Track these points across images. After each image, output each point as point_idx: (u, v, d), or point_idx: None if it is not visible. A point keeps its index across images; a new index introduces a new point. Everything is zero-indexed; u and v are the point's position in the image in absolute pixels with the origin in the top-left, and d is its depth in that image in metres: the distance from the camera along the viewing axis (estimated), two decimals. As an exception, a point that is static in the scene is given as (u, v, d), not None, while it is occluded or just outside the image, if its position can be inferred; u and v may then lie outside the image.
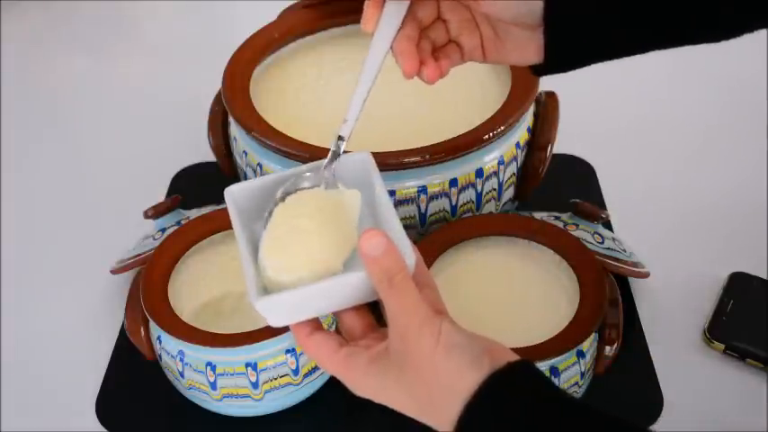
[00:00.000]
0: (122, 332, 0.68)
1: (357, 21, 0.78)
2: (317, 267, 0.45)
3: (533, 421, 0.39)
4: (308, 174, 0.50)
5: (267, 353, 0.58)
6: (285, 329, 0.58)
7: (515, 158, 0.69)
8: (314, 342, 0.45)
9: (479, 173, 0.66)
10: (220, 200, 0.73)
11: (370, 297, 0.45)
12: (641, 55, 0.55)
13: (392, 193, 0.64)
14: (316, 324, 0.46)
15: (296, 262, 0.45)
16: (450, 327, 0.42)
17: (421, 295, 0.43)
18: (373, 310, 0.47)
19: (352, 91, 0.52)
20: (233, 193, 0.49)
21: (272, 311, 0.45)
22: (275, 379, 0.59)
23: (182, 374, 0.61)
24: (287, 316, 0.46)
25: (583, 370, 0.60)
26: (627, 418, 0.40)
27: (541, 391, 0.41)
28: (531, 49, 0.52)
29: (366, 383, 0.44)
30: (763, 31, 0.54)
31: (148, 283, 0.62)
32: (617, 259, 0.67)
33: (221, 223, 0.67)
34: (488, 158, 0.66)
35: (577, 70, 0.53)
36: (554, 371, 0.58)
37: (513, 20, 0.51)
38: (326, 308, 0.46)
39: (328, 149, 0.64)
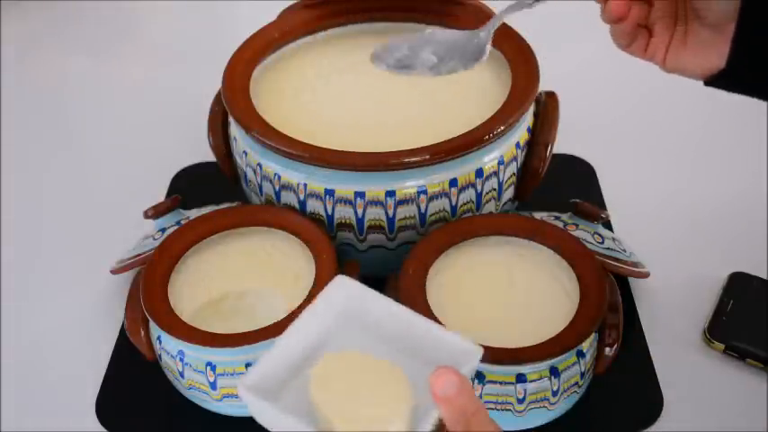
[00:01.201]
0: (122, 332, 0.68)
1: (357, 21, 0.80)
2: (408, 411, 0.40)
3: None
4: None
5: (267, 353, 0.58)
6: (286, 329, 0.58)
7: (515, 158, 0.69)
8: None
9: (479, 173, 0.66)
10: (220, 200, 0.74)
11: None
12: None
13: (392, 193, 0.64)
14: None
15: (377, 408, 0.40)
16: None
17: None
18: None
19: None
20: (249, 386, 0.42)
21: None
22: (275, 379, 0.59)
23: (182, 374, 0.61)
24: None
25: (583, 370, 0.60)
26: None
27: None
28: (711, 53, 0.50)
29: None
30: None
31: (148, 283, 0.62)
32: (617, 259, 0.67)
33: (221, 223, 0.67)
34: (488, 158, 0.66)
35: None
36: (554, 371, 0.58)
37: (723, 13, 0.49)
38: None
39: (328, 149, 0.64)
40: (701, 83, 0.54)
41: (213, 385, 0.60)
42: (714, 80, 0.52)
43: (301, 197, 0.66)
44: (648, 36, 0.53)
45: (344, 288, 0.45)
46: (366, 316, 0.45)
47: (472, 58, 0.57)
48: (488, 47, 0.57)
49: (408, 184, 0.64)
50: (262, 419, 0.42)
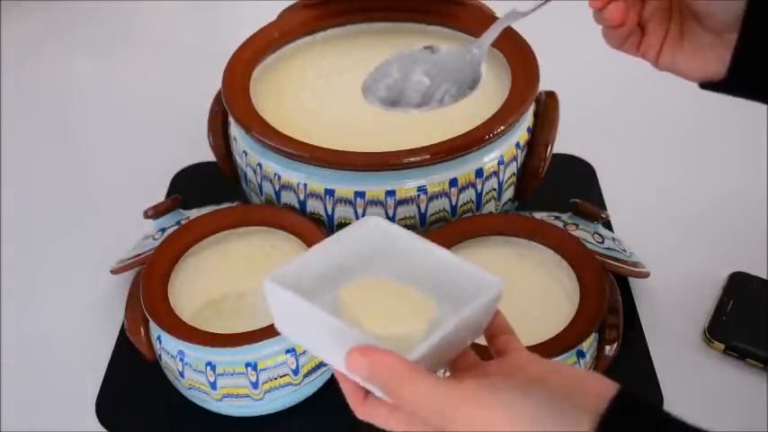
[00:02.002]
0: (122, 332, 0.68)
1: (357, 21, 0.80)
2: (426, 321, 0.41)
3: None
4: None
5: (267, 353, 0.58)
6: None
7: (515, 158, 0.69)
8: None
9: (479, 173, 0.66)
10: (220, 200, 0.74)
11: (475, 336, 0.43)
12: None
13: (392, 193, 0.64)
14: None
15: (402, 315, 0.41)
16: (518, 392, 0.37)
17: (445, 380, 0.37)
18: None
19: None
20: (277, 281, 0.42)
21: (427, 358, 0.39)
22: (275, 379, 0.59)
23: (182, 374, 0.61)
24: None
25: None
26: None
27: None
28: (709, 57, 0.49)
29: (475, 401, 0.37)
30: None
31: (148, 283, 0.62)
32: (617, 259, 0.67)
33: (221, 223, 0.67)
34: (488, 158, 0.66)
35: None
36: (554, 371, 0.58)
37: (723, 14, 0.47)
38: (447, 353, 0.42)
39: (328, 149, 0.64)
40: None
41: (213, 385, 0.60)
42: (711, 85, 0.50)
43: (301, 197, 0.66)
44: (641, 34, 0.53)
45: (375, 226, 0.46)
46: (395, 251, 0.45)
47: (466, 83, 0.55)
48: (483, 67, 0.55)
49: (408, 184, 0.64)
50: (282, 320, 0.43)
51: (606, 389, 0.37)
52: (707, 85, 0.51)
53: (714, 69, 0.50)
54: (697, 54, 0.50)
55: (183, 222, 0.71)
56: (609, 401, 0.36)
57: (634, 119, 0.93)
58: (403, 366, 0.37)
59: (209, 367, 0.59)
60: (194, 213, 0.73)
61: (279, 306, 0.42)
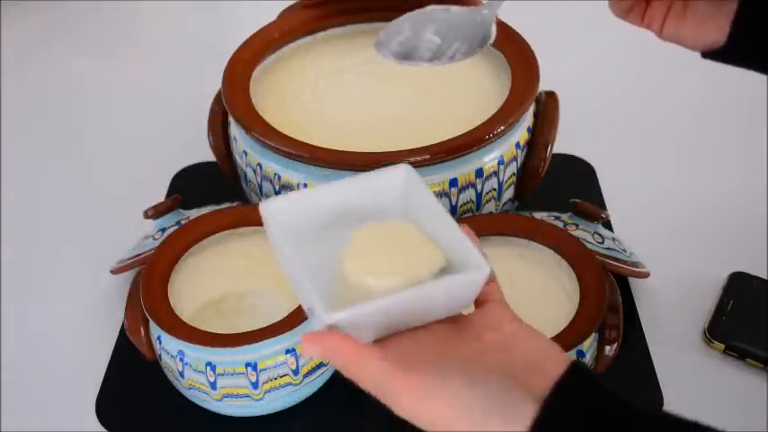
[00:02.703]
0: (122, 332, 0.68)
1: (357, 21, 0.79)
2: (408, 275, 0.41)
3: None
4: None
5: (267, 353, 0.58)
6: (286, 329, 0.58)
7: (515, 158, 0.69)
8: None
9: (479, 173, 0.66)
10: (220, 200, 0.74)
11: (458, 309, 0.42)
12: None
13: (392, 193, 0.64)
14: None
15: (385, 266, 0.41)
16: (459, 377, 0.38)
17: (393, 367, 0.38)
18: None
19: None
20: (270, 210, 0.44)
21: (356, 325, 0.39)
22: (275, 379, 0.59)
23: (182, 374, 0.61)
24: (373, 330, 0.40)
25: (583, 370, 0.60)
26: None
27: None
28: (710, 27, 0.51)
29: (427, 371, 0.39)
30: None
31: (148, 283, 0.62)
32: (617, 259, 0.67)
33: (221, 223, 0.67)
34: (488, 158, 0.66)
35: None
36: (554, 371, 0.58)
37: None
38: (415, 319, 0.41)
39: (328, 149, 0.64)
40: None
41: (213, 385, 0.60)
42: (712, 54, 0.52)
43: (301, 197, 0.66)
44: (646, 4, 0.53)
45: (406, 175, 0.46)
46: (414, 205, 0.45)
47: (476, 41, 0.56)
48: (494, 27, 0.55)
49: (408, 184, 0.64)
50: (275, 244, 0.44)
51: (558, 370, 0.38)
52: (708, 54, 0.52)
53: (715, 39, 0.51)
54: (699, 24, 0.51)
55: (183, 222, 0.71)
56: (552, 387, 0.37)
57: (634, 119, 0.93)
58: (352, 350, 0.38)
59: (209, 367, 0.59)
60: (194, 213, 0.73)
61: (272, 237, 0.43)
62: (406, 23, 0.58)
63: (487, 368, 0.38)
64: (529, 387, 0.37)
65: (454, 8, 0.58)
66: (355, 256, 0.42)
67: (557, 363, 0.39)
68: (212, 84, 0.73)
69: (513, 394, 0.37)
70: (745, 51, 0.51)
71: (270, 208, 0.44)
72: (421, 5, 0.77)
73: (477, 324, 0.42)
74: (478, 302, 0.43)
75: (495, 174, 0.67)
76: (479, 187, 0.67)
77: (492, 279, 0.43)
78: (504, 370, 0.38)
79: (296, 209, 0.45)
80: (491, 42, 0.55)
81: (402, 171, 0.45)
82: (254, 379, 0.59)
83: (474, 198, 0.67)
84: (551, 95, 0.73)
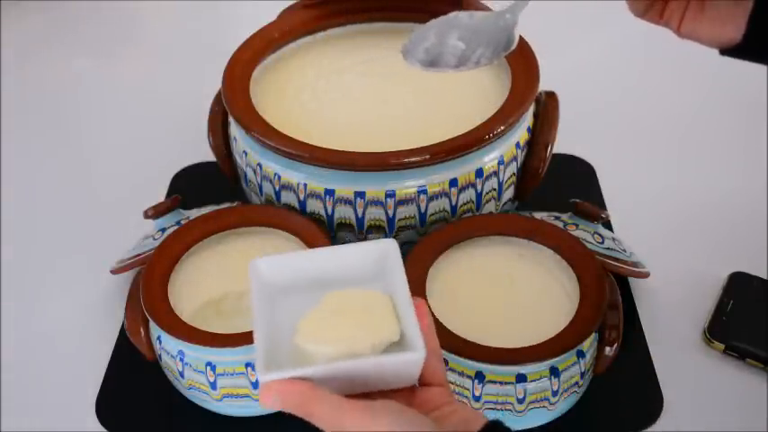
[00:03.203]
0: (122, 332, 0.68)
1: (357, 21, 0.80)
2: (351, 346, 0.43)
3: None
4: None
5: (267, 353, 0.58)
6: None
7: (515, 158, 0.69)
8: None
9: (479, 173, 0.66)
10: (220, 200, 0.74)
11: (402, 384, 0.45)
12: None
13: (392, 193, 0.64)
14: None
15: (330, 334, 0.43)
16: (387, 413, 0.41)
17: (340, 403, 0.41)
18: None
19: None
20: (258, 267, 0.47)
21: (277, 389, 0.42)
22: (275, 379, 0.59)
23: (182, 374, 0.61)
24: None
25: (583, 370, 0.60)
26: None
27: None
28: (727, 25, 0.51)
29: None
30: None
31: (148, 283, 0.62)
32: (617, 259, 0.67)
33: (221, 223, 0.67)
34: (488, 158, 0.66)
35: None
36: (554, 371, 0.58)
37: None
38: (354, 387, 0.44)
39: (328, 149, 0.64)
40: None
41: (213, 385, 0.60)
42: (729, 51, 0.53)
43: (301, 197, 0.66)
44: (664, 2, 0.54)
45: (392, 248, 0.47)
46: (389, 280, 0.47)
47: (500, 46, 0.56)
48: (516, 32, 0.56)
49: (408, 184, 0.64)
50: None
51: (479, 425, 0.41)
52: (725, 51, 0.53)
53: (732, 36, 0.52)
54: (716, 22, 0.52)
55: (183, 222, 0.71)
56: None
57: (634, 119, 0.93)
58: (307, 389, 0.41)
59: (209, 367, 0.59)
60: (194, 213, 0.73)
61: (252, 291, 0.46)
62: (431, 30, 0.59)
63: (419, 422, 0.41)
64: None
65: (478, 13, 0.58)
66: (309, 320, 0.44)
67: (480, 422, 0.42)
68: (212, 84, 0.73)
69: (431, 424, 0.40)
70: (761, 48, 0.52)
71: (255, 263, 0.46)
72: (421, 5, 0.78)
73: (419, 400, 0.44)
74: (424, 382, 0.45)
75: (495, 174, 0.67)
76: (479, 187, 0.67)
77: (438, 360, 0.45)
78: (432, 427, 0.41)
79: (279, 268, 0.47)
80: (514, 47, 0.56)
81: (389, 244, 0.47)
82: (254, 379, 0.59)
83: (474, 198, 0.67)
84: (551, 95, 0.73)
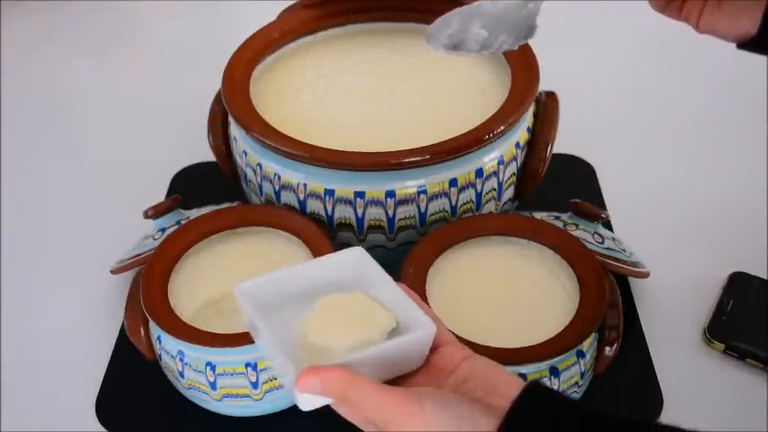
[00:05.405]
0: (122, 332, 0.68)
1: (357, 21, 0.80)
2: (364, 336, 0.46)
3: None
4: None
5: (267, 353, 0.58)
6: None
7: (515, 158, 0.69)
8: None
9: (479, 173, 0.66)
10: (220, 200, 0.74)
11: (414, 364, 0.46)
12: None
13: (392, 193, 0.64)
14: None
15: (343, 329, 0.46)
16: (432, 402, 0.41)
17: (385, 388, 0.42)
18: None
19: None
20: (244, 290, 0.49)
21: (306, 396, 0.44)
22: (275, 379, 0.59)
23: (181, 374, 0.61)
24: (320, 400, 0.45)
25: (583, 370, 0.60)
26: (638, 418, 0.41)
27: (556, 410, 0.41)
28: (744, 18, 0.53)
29: None
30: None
31: (148, 283, 0.62)
32: (617, 259, 0.67)
33: (221, 223, 0.67)
34: (488, 158, 0.66)
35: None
36: (554, 371, 0.58)
37: None
38: (378, 373, 0.45)
39: (328, 149, 0.64)
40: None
41: (213, 385, 0.60)
42: (746, 45, 0.54)
43: (301, 197, 0.66)
44: (681, 2, 0.56)
45: (358, 257, 0.51)
46: (366, 280, 0.50)
47: (522, 33, 0.58)
48: (538, 20, 0.58)
49: (408, 184, 0.64)
50: (248, 326, 0.49)
51: (514, 389, 0.42)
52: (742, 44, 0.55)
53: (748, 30, 0.54)
54: (733, 16, 0.54)
55: (183, 222, 0.71)
56: (512, 402, 0.41)
57: (634, 119, 0.93)
58: (348, 374, 0.42)
59: (208, 367, 0.59)
60: (194, 213, 0.73)
61: (245, 313, 0.49)
62: (454, 17, 0.60)
63: (457, 401, 0.42)
64: (490, 407, 0.42)
65: (501, 2, 0.60)
66: (318, 322, 0.47)
67: (511, 386, 0.42)
68: (212, 84, 0.73)
69: (478, 409, 0.41)
70: None
71: (242, 287, 0.49)
72: (417, 8, 0.78)
73: (435, 370, 0.45)
74: (433, 347, 0.46)
75: (495, 174, 0.67)
76: (479, 187, 0.67)
77: (438, 322, 0.47)
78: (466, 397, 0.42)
79: (265, 288, 0.50)
80: (534, 35, 0.58)
81: (356, 252, 0.51)
82: (254, 379, 0.59)
83: (474, 198, 0.67)
84: (551, 95, 0.73)
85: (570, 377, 0.59)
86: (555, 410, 0.41)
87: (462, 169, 0.65)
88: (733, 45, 0.58)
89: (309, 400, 0.44)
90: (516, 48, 0.58)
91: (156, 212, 0.72)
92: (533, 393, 0.42)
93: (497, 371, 0.44)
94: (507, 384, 0.43)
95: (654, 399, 0.63)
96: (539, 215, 0.71)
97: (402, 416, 0.40)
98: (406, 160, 0.62)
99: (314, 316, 0.47)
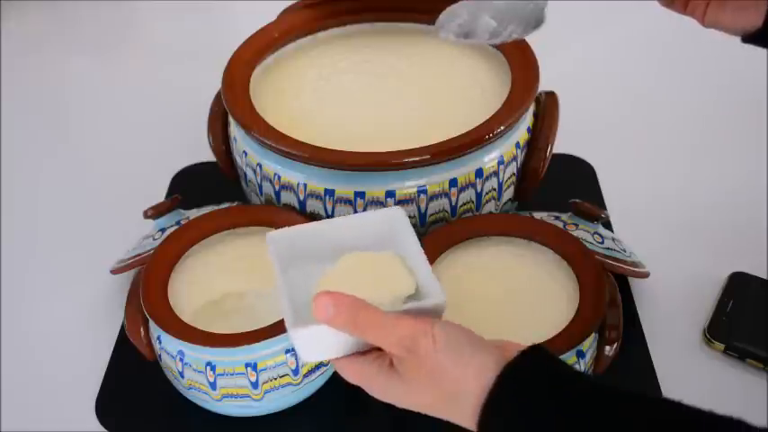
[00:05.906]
0: (122, 332, 0.68)
1: (357, 21, 0.80)
2: (373, 298, 0.46)
3: (554, 405, 0.41)
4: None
5: (267, 353, 0.58)
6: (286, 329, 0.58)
7: (515, 158, 0.69)
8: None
9: (479, 173, 0.66)
10: (220, 200, 0.74)
11: None
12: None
13: (392, 193, 0.64)
14: None
15: (352, 288, 0.46)
16: (442, 330, 0.44)
17: (393, 313, 0.44)
18: None
19: None
20: (274, 238, 0.51)
21: (306, 342, 0.46)
22: (275, 379, 0.59)
23: (181, 374, 0.61)
24: (320, 350, 0.47)
25: (583, 370, 0.60)
26: (648, 394, 0.42)
27: (556, 373, 0.43)
28: (749, 12, 0.54)
29: (390, 394, 0.46)
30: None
31: (148, 283, 0.62)
32: (617, 259, 0.67)
33: (221, 223, 0.67)
34: (488, 158, 0.66)
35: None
36: (554, 371, 0.58)
37: None
38: (356, 344, 0.46)
39: (328, 149, 0.64)
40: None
41: (213, 385, 0.60)
42: (751, 37, 0.55)
43: (301, 197, 0.66)
44: None
45: (395, 216, 0.52)
46: (400, 243, 0.51)
47: (531, 23, 0.59)
48: (547, 10, 0.59)
49: (408, 184, 0.64)
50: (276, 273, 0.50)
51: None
52: (747, 38, 0.55)
53: (753, 23, 0.54)
54: (738, 10, 0.55)
55: (182, 222, 0.71)
56: (518, 352, 0.44)
57: (634, 119, 0.93)
58: (359, 301, 0.44)
59: (208, 367, 0.59)
60: (194, 213, 0.73)
61: (273, 261, 0.50)
62: (464, 8, 0.62)
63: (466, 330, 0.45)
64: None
65: None
66: (335, 277, 0.48)
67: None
68: (212, 84, 0.73)
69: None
70: None
71: (272, 235, 0.51)
72: (417, 8, 0.78)
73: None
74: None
75: (495, 174, 0.67)
76: (479, 187, 0.67)
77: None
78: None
79: (296, 238, 0.51)
80: (543, 25, 0.59)
81: (394, 211, 0.52)
82: (254, 379, 0.59)
83: (474, 198, 0.67)
84: (551, 95, 0.73)
85: (570, 377, 0.59)
86: (557, 368, 0.44)
87: (462, 169, 0.65)
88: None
89: (311, 347, 0.45)
90: (525, 36, 0.59)
91: (155, 212, 0.72)
92: (538, 350, 0.44)
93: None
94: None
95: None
96: (539, 215, 0.71)
97: (416, 334, 0.42)
98: (406, 160, 0.62)
99: (335, 271, 0.48)
